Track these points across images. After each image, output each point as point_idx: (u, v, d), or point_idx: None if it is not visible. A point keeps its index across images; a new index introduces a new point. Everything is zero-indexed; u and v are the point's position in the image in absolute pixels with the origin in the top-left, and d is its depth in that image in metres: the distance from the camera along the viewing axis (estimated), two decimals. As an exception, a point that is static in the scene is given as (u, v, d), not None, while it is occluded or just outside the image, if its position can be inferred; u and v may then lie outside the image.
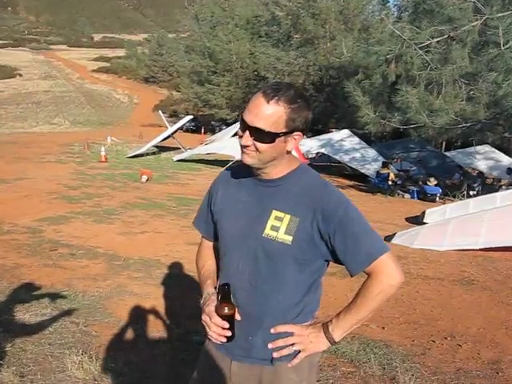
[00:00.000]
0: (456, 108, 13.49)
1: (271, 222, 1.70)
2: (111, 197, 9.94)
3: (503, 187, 16.29)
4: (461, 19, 12.59)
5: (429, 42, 13.27)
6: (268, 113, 1.58)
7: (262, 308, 1.74)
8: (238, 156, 14.75)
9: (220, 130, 30.37)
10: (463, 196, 14.98)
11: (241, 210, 1.77)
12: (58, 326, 4.18)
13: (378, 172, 15.77)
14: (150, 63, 64.33)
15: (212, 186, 1.95)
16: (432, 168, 19.26)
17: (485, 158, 20.95)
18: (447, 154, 22.27)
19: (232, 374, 1.82)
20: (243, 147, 1.65)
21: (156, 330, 4.34)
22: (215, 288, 1.85)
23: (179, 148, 18.71)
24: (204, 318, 1.76)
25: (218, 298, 1.76)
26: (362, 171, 17.37)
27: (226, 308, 1.69)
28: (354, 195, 13.37)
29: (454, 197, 14.81)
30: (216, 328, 1.71)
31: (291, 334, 1.72)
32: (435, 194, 14.94)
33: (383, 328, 4.50)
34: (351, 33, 24.24)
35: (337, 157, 18.38)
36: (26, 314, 4.33)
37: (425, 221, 9.63)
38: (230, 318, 1.70)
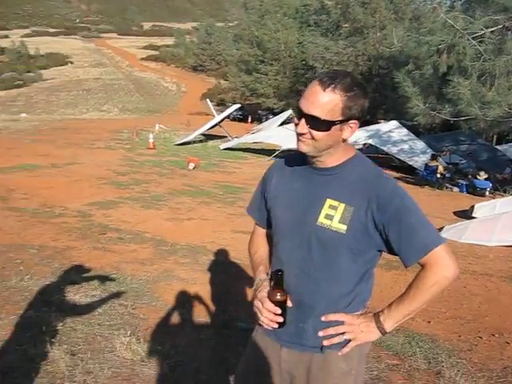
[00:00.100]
0: (509, 100, 13.11)
1: (325, 210, 1.69)
2: (159, 183, 10.07)
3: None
4: (517, 9, 12.25)
5: (482, 32, 12.93)
6: (324, 100, 1.58)
7: (313, 296, 1.74)
8: (284, 145, 14.73)
9: (267, 119, 30.33)
10: (514, 191, 14.60)
11: (295, 198, 1.77)
12: (107, 308, 4.28)
13: (426, 164, 15.51)
14: (198, 52, 64.63)
15: (266, 173, 1.95)
16: (482, 162, 18.79)
17: (538, 153, 20.34)
18: (498, 147, 21.68)
19: (281, 360, 1.83)
20: (299, 135, 1.65)
21: (202, 315, 4.40)
22: (267, 274, 1.87)
23: (226, 136, 18.79)
24: (256, 303, 1.77)
25: (270, 284, 1.77)
26: (410, 163, 17.09)
27: (279, 294, 1.70)
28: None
29: (505, 192, 14.43)
30: (268, 314, 1.72)
31: (342, 323, 1.72)
32: (485, 189, 14.57)
33: (429, 322, 4.44)
34: (402, 22, 23.84)
35: (384, 148, 18.13)
36: (76, 294, 4.45)
37: (474, 215, 9.43)
38: (281, 305, 1.71)
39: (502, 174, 17.07)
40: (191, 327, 4.17)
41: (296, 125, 1.65)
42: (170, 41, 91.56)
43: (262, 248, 2.03)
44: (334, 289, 1.73)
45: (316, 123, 1.59)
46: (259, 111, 37.01)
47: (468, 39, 13.07)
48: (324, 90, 1.57)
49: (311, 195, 1.73)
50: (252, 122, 33.77)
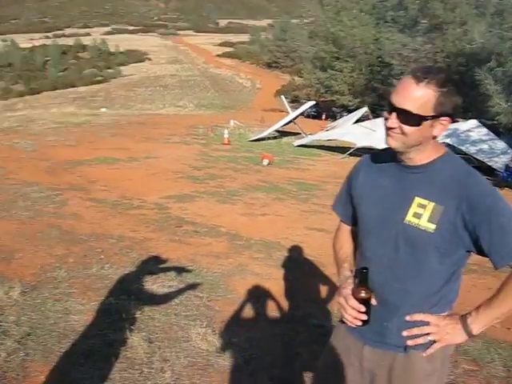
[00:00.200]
0: None
1: (413, 208, 1.66)
2: (233, 178, 10.17)
3: None
4: None
5: None
6: (417, 95, 1.55)
7: (399, 295, 1.71)
8: (359, 143, 14.56)
9: (341, 116, 30.05)
10: None
11: (382, 195, 1.75)
12: (184, 299, 4.37)
13: (507, 166, 14.94)
14: (273, 48, 64.79)
15: (353, 170, 1.94)
16: None
17: None
18: None
19: (363, 358, 1.82)
20: (388, 129, 1.63)
21: (275, 310, 4.41)
22: (351, 271, 1.86)
23: (300, 133, 18.76)
24: (340, 300, 1.77)
25: (354, 281, 1.76)
26: (490, 164, 16.48)
27: (363, 292, 1.69)
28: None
29: None
30: (352, 311, 1.71)
31: (427, 324, 1.69)
32: None
33: (508, 329, 4.28)
34: (483, 17, 23.00)
35: (463, 148, 17.55)
36: (153, 284, 4.56)
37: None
38: (366, 302, 1.69)
39: None
40: (265, 321, 4.20)
41: (386, 119, 1.63)
42: (245, 38, 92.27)
43: (346, 245, 2.02)
44: (419, 288, 1.70)
45: (407, 117, 1.57)
46: (333, 108, 36.70)
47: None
48: (417, 84, 1.55)
49: (399, 193, 1.71)
50: (326, 119, 33.54)
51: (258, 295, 4.65)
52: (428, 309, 1.70)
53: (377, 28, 31.90)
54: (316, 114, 35.45)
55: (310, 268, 5.46)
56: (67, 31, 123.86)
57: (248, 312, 4.31)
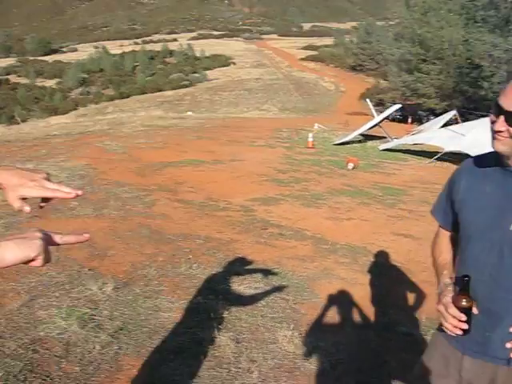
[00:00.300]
0: None
1: None
2: (318, 182, 10.12)
3: None
4: None
5: None
6: (527, 98, 1.49)
7: (503, 304, 1.64)
8: (447, 147, 14.13)
9: (427, 120, 29.30)
10: None
11: (486, 201, 1.68)
12: (270, 301, 4.39)
13: None
14: (357, 51, 64.04)
15: (454, 175, 1.88)
16: None
17: None
18: None
19: (463, 368, 1.76)
20: (495, 133, 1.56)
21: (361, 315, 4.36)
22: (451, 279, 1.80)
23: (385, 137, 18.44)
24: (440, 307, 1.71)
25: (455, 289, 1.70)
26: None
27: (464, 300, 1.63)
28: None
29: None
30: (452, 319, 1.65)
31: (534, 337, 1.61)
32: None
33: None
34: None
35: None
36: (240, 285, 4.61)
37: None
38: (467, 311, 1.64)
39: None
40: (351, 327, 4.16)
41: (493, 122, 1.57)
42: (329, 41, 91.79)
43: (445, 251, 1.96)
44: (526, 299, 1.62)
45: (516, 121, 1.50)
46: (419, 112, 35.83)
47: None
48: (527, 87, 1.48)
49: (505, 199, 1.63)
50: (412, 122, 32.78)
51: (343, 300, 4.62)
52: None
53: (466, 28, 30.87)
54: (401, 117, 34.75)
55: (396, 274, 5.36)
56: (155, 37, 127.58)
57: (334, 316, 4.27)
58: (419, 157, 15.07)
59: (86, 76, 65.92)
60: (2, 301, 4.03)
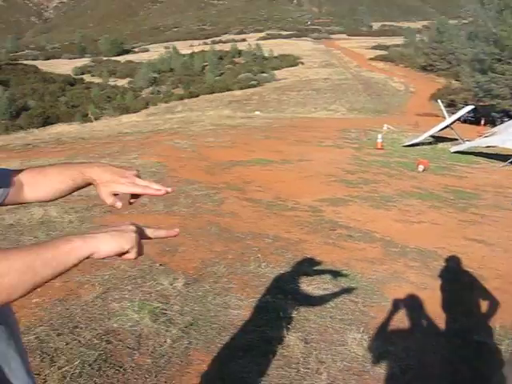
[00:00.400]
0: None
1: None
2: (387, 184, 9.97)
3: None
4: None
5: None
6: None
7: None
8: (522, 150, 13.64)
9: (501, 122, 28.33)
10: None
11: None
12: (339, 302, 4.35)
13: None
14: (428, 51, 62.63)
15: None
16: None
17: None
18: None
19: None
20: None
21: (432, 321, 4.26)
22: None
23: (456, 139, 17.96)
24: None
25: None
26: None
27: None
28: None
29: None
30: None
31: None
32: None
33: None
34: None
35: None
36: (309, 286, 4.60)
37: None
38: None
39: None
40: (421, 332, 4.08)
41: None
42: (399, 40, 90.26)
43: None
44: None
45: None
46: (493, 113, 34.70)
47: None
48: None
49: None
50: (485, 124, 31.78)
51: (413, 304, 4.53)
52: None
53: (546, 27, 29.71)
54: (474, 119, 33.73)
55: (468, 280, 5.22)
56: (224, 37, 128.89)
57: (403, 321, 4.20)
58: (492, 160, 14.59)
59: (156, 75, 67.44)
60: (78, 292, 4.17)
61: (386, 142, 15.78)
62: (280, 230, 6.38)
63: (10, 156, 12.13)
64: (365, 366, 3.46)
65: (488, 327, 4.20)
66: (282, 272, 4.89)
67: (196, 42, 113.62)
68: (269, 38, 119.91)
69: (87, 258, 1.02)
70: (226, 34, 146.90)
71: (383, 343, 3.78)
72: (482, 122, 32.54)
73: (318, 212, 7.50)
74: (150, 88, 62.42)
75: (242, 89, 54.35)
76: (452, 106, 36.01)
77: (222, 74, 69.10)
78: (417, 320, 4.26)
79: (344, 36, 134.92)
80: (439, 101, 23.28)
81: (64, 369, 3.12)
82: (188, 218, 6.53)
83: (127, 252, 1.07)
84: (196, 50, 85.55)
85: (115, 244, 1.04)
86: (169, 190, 1.29)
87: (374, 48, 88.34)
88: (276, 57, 79.24)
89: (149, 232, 1.14)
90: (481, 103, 35.48)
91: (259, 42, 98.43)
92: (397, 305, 4.43)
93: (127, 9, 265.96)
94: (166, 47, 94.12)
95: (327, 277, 4.82)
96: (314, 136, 16.56)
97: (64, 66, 77.16)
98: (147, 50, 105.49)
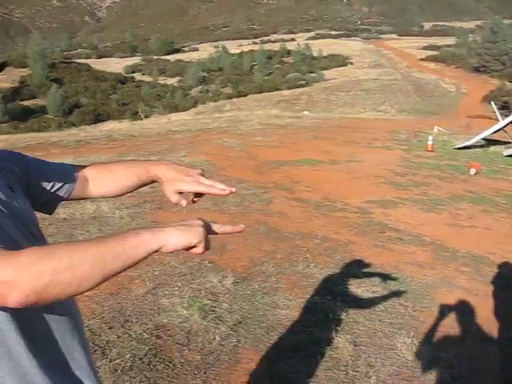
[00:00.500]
0: None
1: None
2: (438, 187, 9.79)
3: None
4: None
5: None
6: None
7: None
8: None
9: (557, 125, 27.52)
10: None
11: None
12: (388, 306, 4.31)
13: None
14: (481, 51, 61.24)
15: None
16: None
17: None
18: None
19: None
20: None
21: (483, 328, 4.17)
22: None
23: (510, 142, 17.50)
24: None
25: None
26: None
27: None
28: None
29: None
30: None
31: None
32: None
33: None
34: None
35: None
36: (358, 288, 4.56)
37: None
38: None
39: None
40: (472, 339, 4.00)
41: None
42: (451, 41, 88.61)
43: None
44: None
45: None
46: (548, 116, 33.75)
47: None
48: None
49: None
50: (539, 127, 30.93)
51: (464, 310, 4.45)
52: None
53: None
54: (528, 122, 32.84)
55: (526, 288, 5.10)
56: (273, 37, 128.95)
57: (454, 327, 4.13)
58: (547, 164, 14.17)
59: (205, 75, 68.03)
60: (128, 287, 4.25)
61: (437, 144, 15.50)
62: (329, 231, 6.35)
63: (63, 152, 12.42)
64: (414, 372, 3.42)
65: (543, 336, 4.10)
66: (330, 273, 4.87)
67: (245, 42, 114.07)
68: (318, 38, 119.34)
69: (156, 251, 1.04)
70: (275, 33, 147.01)
71: (433, 349, 3.72)
72: (537, 125, 31.62)
73: (367, 214, 7.43)
74: (199, 87, 63.00)
75: (290, 88, 54.24)
76: (506, 109, 35.10)
77: (270, 73, 69.15)
78: (468, 326, 4.18)
79: (394, 36, 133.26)
80: (492, 102, 22.74)
81: (115, 361, 3.19)
82: (237, 217, 6.56)
83: (194, 246, 1.08)
84: (245, 50, 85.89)
85: (184, 238, 1.06)
86: (233, 190, 1.30)
87: (425, 48, 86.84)
88: (325, 56, 78.88)
89: (215, 227, 1.15)
90: (536, 106, 34.53)
91: (308, 41, 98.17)
92: (447, 310, 4.36)
93: (178, 8, 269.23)
94: (215, 46, 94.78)
95: (376, 279, 4.78)
96: (363, 137, 16.40)
97: (115, 65, 78.56)
98: (197, 50, 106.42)
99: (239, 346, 3.53)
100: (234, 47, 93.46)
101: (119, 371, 3.09)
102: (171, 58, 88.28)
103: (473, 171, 11.44)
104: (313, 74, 63.43)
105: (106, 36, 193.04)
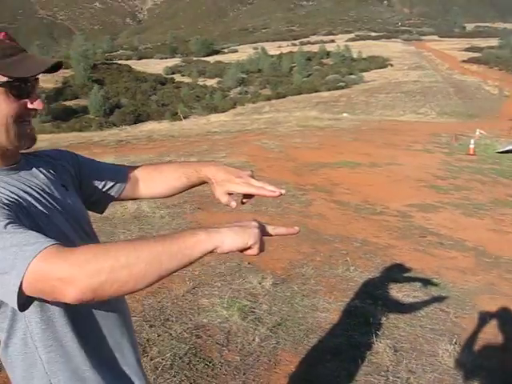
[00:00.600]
0: None
1: None
2: (480, 191, 9.61)
3: None
4: None
5: None
6: None
7: None
8: None
9: None
10: None
11: None
12: (429, 311, 4.25)
13: None
14: (526, 54, 60.16)
15: None
16: None
17: None
18: None
19: None
20: None
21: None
22: None
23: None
24: None
25: None
26: None
27: None
28: None
29: None
30: None
31: None
32: None
33: None
34: None
35: None
36: (398, 292, 4.51)
37: None
38: None
39: None
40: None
41: None
42: (494, 42, 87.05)
43: None
44: None
45: None
46: None
47: None
48: None
49: None
50: None
51: (507, 318, 4.35)
52: None
53: None
54: None
55: None
56: (312, 39, 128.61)
57: (497, 335, 4.04)
58: None
59: (244, 76, 68.29)
60: (169, 286, 4.29)
61: (479, 147, 15.22)
62: (368, 234, 6.30)
63: (104, 151, 12.63)
64: (457, 380, 3.36)
65: None
66: (370, 277, 4.83)
67: (284, 43, 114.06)
68: (358, 40, 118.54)
69: (211, 252, 1.04)
70: (315, 35, 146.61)
71: (476, 356, 3.65)
72: None
73: (408, 217, 7.34)
74: (238, 88, 63.28)
75: (329, 90, 54.08)
76: (551, 112, 34.25)
77: (309, 75, 69.05)
78: (511, 334, 4.08)
79: (435, 37, 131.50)
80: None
81: (156, 360, 3.22)
82: (275, 218, 6.56)
83: (249, 248, 1.08)
84: (284, 51, 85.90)
85: (239, 239, 1.06)
86: (283, 191, 1.30)
87: (467, 50, 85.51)
88: (365, 58, 78.37)
89: (270, 229, 1.15)
90: None
91: (348, 43, 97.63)
92: (490, 317, 4.27)
93: (217, 10, 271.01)
94: (254, 48, 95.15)
95: (417, 284, 4.72)
96: (403, 140, 16.23)
97: (156, 66, 79.51)
98: (236, 51, 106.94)
99: (278, 348, 3.52)
100: (273, 49, 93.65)
101: (160, 369, 3.12)
102: (211, 59, 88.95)
103: (516, 176, 11.21)
104: (352, 76, 63.07)
105: (146, 37, 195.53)
